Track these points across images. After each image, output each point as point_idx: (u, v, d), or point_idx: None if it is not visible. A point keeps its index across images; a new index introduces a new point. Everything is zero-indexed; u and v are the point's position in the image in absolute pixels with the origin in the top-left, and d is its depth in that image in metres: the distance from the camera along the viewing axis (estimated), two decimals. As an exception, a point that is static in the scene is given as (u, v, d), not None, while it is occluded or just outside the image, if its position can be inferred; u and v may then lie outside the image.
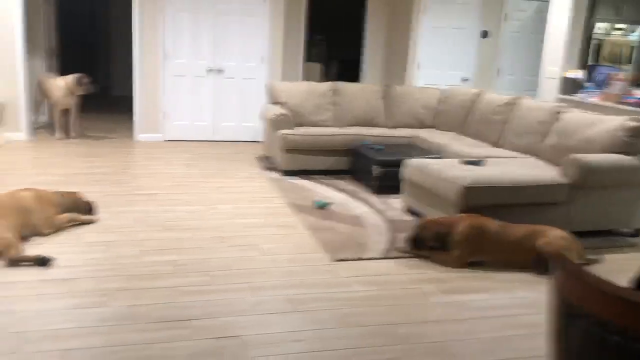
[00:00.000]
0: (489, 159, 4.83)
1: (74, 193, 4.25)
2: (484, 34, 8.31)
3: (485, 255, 3.75)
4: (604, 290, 0.96)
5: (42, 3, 7.89)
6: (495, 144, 5.70)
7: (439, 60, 8.21)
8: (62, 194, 4.15)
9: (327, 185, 5.62)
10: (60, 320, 2.79)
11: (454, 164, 4.50)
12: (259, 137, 7.55)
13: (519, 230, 3.77)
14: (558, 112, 5.12)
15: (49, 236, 3.85)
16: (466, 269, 3.69)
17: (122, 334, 2.70)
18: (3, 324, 2.72)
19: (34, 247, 3.64)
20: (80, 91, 7.07)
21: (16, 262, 3.36)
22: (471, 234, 3.71)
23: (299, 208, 4.79)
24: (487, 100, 6.01)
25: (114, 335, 2.69)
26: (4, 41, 6.66)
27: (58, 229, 3.95)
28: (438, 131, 6.39)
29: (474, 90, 6.36)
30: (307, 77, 8.66)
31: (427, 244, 3.80)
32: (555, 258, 1.09)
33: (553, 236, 3.70)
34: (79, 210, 4.19)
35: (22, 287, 3.11)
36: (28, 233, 3.77)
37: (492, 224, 3.76)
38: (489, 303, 3.25)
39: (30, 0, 7.51)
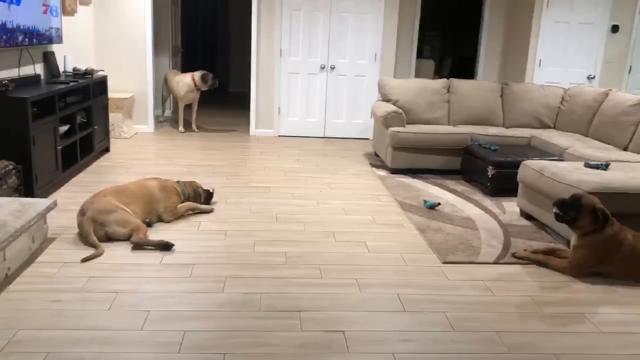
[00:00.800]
0: (616, 163, 4.48)
1: (193, 182, 4.50)
2: (614, 29, 7.72)
3: (611, 267, 3.48)
4: None
5: (169, 4, 8.41)
6: (625, 148, 5.28)
7: (562, 57, 7.75)
8: (184, 183, 4.40)
9: (437, 184, 5.50)
10: (180, 302, 2.97)
11: (576, 168, 4.23)
12: (368, 134, 7.55)
13: (651, 242, 3.46)
14: (700, 114, 4.65)
15: (170, 223, 4.11)
16: (586, 280, 3.46)
17: (235, 320, 2.81)
18: (129, 302, 2.94)
19: (156, 233, 3.89)
20: (205, 87, 7.45)
21: (141, 245, 3.62)
22: (605, 243, 3.45)
23: (407, 207, 4.73)
24: (616, 99, 5.59)
25: (229, 320, 2.81)
26: (135, 40, 7.18)
27: (179, 216, 4.20)
28: (560, 132, 6.03)
29: (601, 89, 5.93)
30: (419, 74, 8.54)
31: (580, 219, 3.46)
32: None
33: None
34: (198, 198, 4.43)
35: (146, 270, 3.34)
36: (152, 220, 4.05)
37: (629, 234, 3.48)
38: (612, 318, 3.02)
39: (158, 1, 8.04)
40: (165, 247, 3.60)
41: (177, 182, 4.38)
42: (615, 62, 7.84)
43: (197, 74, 7.44)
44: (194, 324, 2.75)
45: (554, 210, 3.56)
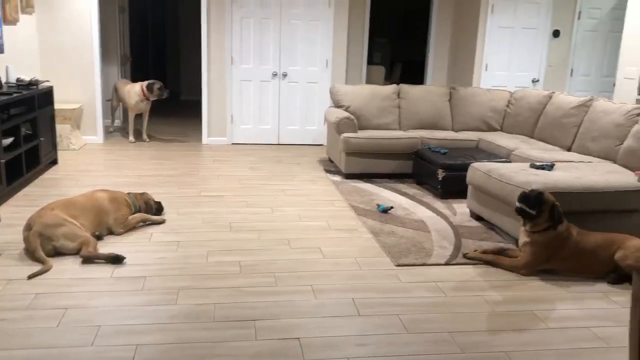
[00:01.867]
0: (561, 164, 4.65)
1: (145, 194, 4.42)
2: (556, 34, 8.02)
3: (557, 264, 3.60)
4: None
5: (117, 12, 8.26)
6: (568, 148, 5.48)
7: (507, 62, 7.99)
8: (135, 195, 4.32)
9: (390, 189, 5.58)
10: (132, 315, 2.91)
11: (522, 169, 4.36)
12: (322, 141, 7.59)
13: (595, 238, 3.60)
14: (637, 115, 4.87)
15: (121, 236, 4.02)
16: (535, 277, 3.57)
17: (190, 332, 2.77)
18: (79, 318, 2.86)
19: (107, 247, 3.80)
20: (153, 97, 7.33)
21: (90, 259, 3.53)
22: (554, 240, 3.56)
23: (361, 211, 4.77)
24: (559, 102, 5.79)
25: (183, 332, 2.77)
26: (82, 49, 7.02)
27: (130, 228, 4.12)
28: (507, 134, 6.21)
29: (546, 92, 6.14)
30: (370, 80, 8.64)
31: (540, 214, 3.55)
32: (636, 271, 1.02)
33: (632, 247, 3.50)
34: (149, 210, 4.35)
35: (97, 284, 3.26)
36: (102, 232, 3.95)
37: (574, 231, 3.60)
38: (559, 314, 3.12)
39: (105, 9, 7.89)
40: (116, 259, 3.53)
41: (128, 193, 4.30)
42: (557, 65, 8.14)
43: (145, 84, 7.32)
44: (147, 338, 2.70)
45: (517, 204, 3.64)
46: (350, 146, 5.81)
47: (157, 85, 7.30)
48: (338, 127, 5.96)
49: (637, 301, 1.07)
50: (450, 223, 4.57)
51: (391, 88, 6.54)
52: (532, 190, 3.64)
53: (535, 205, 3.55)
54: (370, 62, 9.02)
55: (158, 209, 4.44)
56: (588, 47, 8.17)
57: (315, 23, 7.46)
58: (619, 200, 3.98)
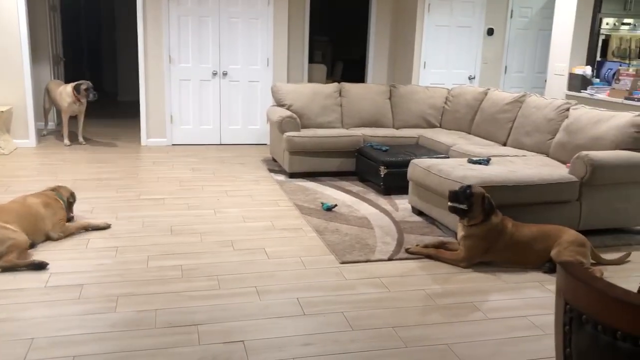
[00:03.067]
0: (496, 158, 4.79)
1: (62, 186, 4.26)
2: (490, 32, 8.27)
3: (494, 255, 3.71)
4: (614, 296, 0.93)
5: (47, 10, 7.93)
6: (504, 143, 5.66)
7: (444, 59, 8.17)
8: (59, 189, 4.16)
9: (334, 187, 5.60)
10: (69, 326, 2.79)
11: (460, 164, 4.47)
12: (265, 140, 7.54)
13: (530, 230, 3.72)
14: (567, 109, 5.08)
15: (56, 242, 3.86)
16: (474, 269, 3.66)
17: (130, 340, 2.69)
18: (11, 331, 2.73)
19: (41, 254, 3.64)
20: (81, 98, 7.05)
21: (10, 268, 3.36)
22: (490, 232, 3.66)
23: (305, 210, 4.77)
24: (494, 98, 5.98)
25: (123, 340, 2.68)
26: (9, 49, 6.70)
27: (68, 234, 3.97)
28: (445, 131, 6.35)
29: (481, 89, 6.32)
30: (312, 78, 8.65)
31: (472, 209, 3.65)
32: (564, 265, 1.07)
33: (565, 242, 3.63)
34: (73, 202, 4.28)
35: (29, 294, 3.11)
36: (39, 239, 3.79)
37: (509, 223, 3.72)
38: (497, 304, 3.22)
39: (34, 7, 7.56)
40: (38, 267, 3.38)
41: (53, 190, 4.13)
42: (492, 62, 8.39)
43: (73, 85, 7.06)
44: (85, 348, 2.60)
45: (449, 204, 3.73)
46: (293, 145, 5.80)
47: (84, 85, 7.02)
48: (281, 126, 5.94)
49: (560, 292, 1.11)
50: (392, 219, 4.63)
51: (333, 86, 6.57)
52: (460, 187, 3.74)
53: (465, 200, 3.65)
54: (311, 60, 9.03)
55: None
56: (520, 44, 8.47)
57: (255, 21, 7.40)
58: (552, 192, 4.14)
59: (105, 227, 4.18)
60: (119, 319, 2.89)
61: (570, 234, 3.69)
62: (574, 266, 1.04)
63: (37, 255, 3.61)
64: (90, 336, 2.71)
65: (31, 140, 7.00)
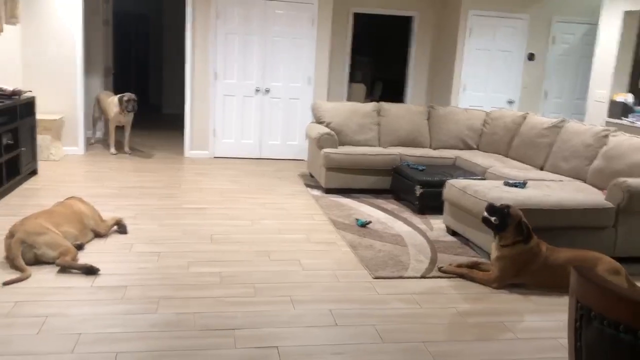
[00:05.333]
0: (533, 182, 4.81)
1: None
2: (531, 57, 8.28)
3: (527, 278, 3.73)
4: (618, 293, 1.02)
5: (101, 24, 8.32)
6: (541, 167, 5.66)
7: (484, 83, 8.22)
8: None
9: (369, 204, 5.69)
10: (112, 324, 2.95)
11: (496, 186, 4.51)
12: (303, 156, 7.70)
13: (564, 255, 3.73)
14: (605, 136, 5.07)
15: (102, 246, 4.06)
16: (506, 290, 3.69)
17: (169, 340, 2.83)
18: (60, 326, 2.90)
19: (88, 256, 3.84)
20: (123, 109, 7.31)
21: (67, 269, 3.56)
22: (524, 254, 3.69)
23: (340, 225, 4.87)
24: (532, 122, 5.99)
25: (162, 340, 2.82)
26: (65, 60, 7.06)
27: (109, 228, 4.26)
28: (482, 153, 6.38)
29: (520, 113, 6.34)
30: (351, 97, 8.81)
31: (506, 227, 3.69)
32: (576, 268, 1.17)
33: (601, 270, 3.60)
34: None
35: (77, 293, 3.29)
36: (87, 238, 4.06)
37: (544, 247, 3.74)
38: (527, 325, 3.24)
39: (89, 22, 7.94)
40: (90, 271, 3.56)
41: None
42: (532, 87, 8.39)
43: (118, 97, 7.37)
44: (127, 345, 2.75)
45: (484, 214, 3.78)
46: (330, 161, 5.93)
47: (125, 97, 7.29)
48: (319, 143, 6.07)
49: (573, 292, 1.21)
50: (426, 238, 4.69)
51: (371, 105, 6.69)
52: (501, 204, 3.79)
53: (499, 217, 3.70)
54: (352, 79, 9.19)
55: None
56: (561, 70, 8.45)
57: (299, 41, 7.61)
58: (587, 218, 4.14)
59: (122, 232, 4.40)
60: (160, 319, 3.03)
61: (605, 262, 3.68)
62: (585, 269, 1.13)
63: (85, 257, 3.81)
64: (132, 334, 2.86)
65: (80, 148, 7.32)
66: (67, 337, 2.79)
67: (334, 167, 5.95)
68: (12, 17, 6.53)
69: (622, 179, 4.22)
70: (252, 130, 7.74)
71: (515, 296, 3.63)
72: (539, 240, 3.76)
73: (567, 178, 5.19)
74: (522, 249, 3.67)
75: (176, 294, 3.35)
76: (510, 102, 8.31)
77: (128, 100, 7.28)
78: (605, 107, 6.78)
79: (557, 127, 5.65)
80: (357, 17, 8.43)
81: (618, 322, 1.00)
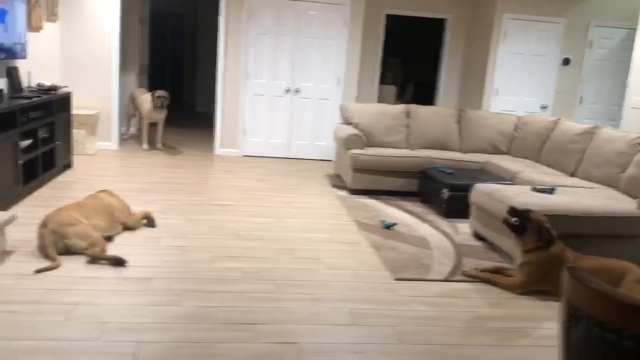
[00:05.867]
0: (562, 188, 4.73)
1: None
2: (566, 62, 8.14)
3: (551, 284, 3.68)
4: (603, 294, 1.02)
5: (137, 23, 8.51)
6: (572, 174, 5.56)
7: (517, 87, 8.12)
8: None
9: (395, 206, 5.68)
10: (137, 314, 3.03)
11: (524, 191, 4.45)
12: (330, 156, 7.73)
13: (591, 263, 3.66)
14: (639, 144, 4.96)
15: (131, 238, 4.16)
16: (529, 297, 3.65)
17: (190, 332, 2.89)
18: (88, 314, 2.99)
19: (116, 249, 3.94)
20: (156, 105, 7.48)
21: (96, 260, 3.66)
22: (548, 261, 3.64)
23: (364, 226, 4.88)
24: (564, 128, 5.89)
25: (183, 332, 2.88)
26: (101, 58, 7.24)
27: (138, 221, 4.37)
28: (512, 158, 6.31)
29: (551, 118, 6.25)
30: (381, 99, 8.80)
31: (526, 231, 3.69)
32: (568, 269, 1.19)
33: (631, 282, 3.52)
34: None
35: (105, 283, 3.39)
36: (116, 230, 4.16)
37: (570, 254, 3.69)
38: (549, 332, 3.20)
39: (126, 20, 8.13)
40: (118, 262, 3.65)
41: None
42: (566, 93, 8.25)
43: (150, 94, 7.53)
44: (150, 335, 2.82)
45: (505, 215, 3.77)
46: (357, 162, 5.94)
47: (157, 94, 7.47)
48: (346, 143, 6.09)
49: (565, 292, 1.22)
50: (452, 241, 4.66)
51: (400, 107, 6.67)
52: (523, 208, 3.76)
53: (519, 219, 3.66)
54: (382, 81, 9.18)
55: None
56: (598, 76, 8.28)
57: (330, 41, 7.64)
58: (617, 226, 4.06)
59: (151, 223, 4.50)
60: (182, 312, 3.10)
61: (635, 272, 3.59)
62: (575, 269, 1.14)
63: (114, 250, 3.91)
64: (155, 325, 2.93)
65: (113, 143, 7.50)
66: (93, 325, 2.87)
67: (360, 168, 5.96)
68: (52, 15, 6.73)
69: (654, 188, 4.12)
70: (281, 129, 7.80)
71: (537, 302, 3.58)
72: (564, 247, 3.71)
73: (599, 185, 5.09)
74: (546, 254, 3.62)
75: (199, 288, 3.42)
76: (543, 107, 8.18)
77: (159, 97, 7.44)
78: (641, 114, 6.62)
79: (589, 134, 5.55)
80: (390, 18, 8.42)
81: (604, 321, 1.01)
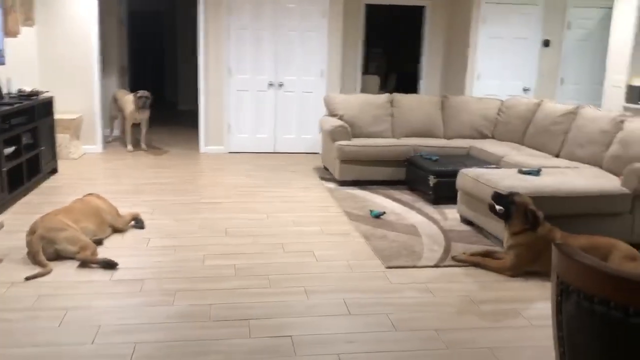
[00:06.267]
0: (548, 169, 4.78)
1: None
2: (546, 43, 8.20)
3: (541, 265, 3.73)
4: (592, 267, 1.05)
5: (115, 24, 8.43)
6: (557, 155, 5.62)
7: (499, 71, 8.16)
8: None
9: (383, 195, 5.71)
10: (130, 316, 3.02)
11: (510, 174, 4.50)
12: (317, 149, 7.73)
13: (579, 241, 3.70)
14: (621, 122, 5.02)
15: (120, 240, 4.14)
16: (520, 278, 3.69)
17: (186, 330, 2.89)
18: (82, 318, 2.98)
19: (107, 251, 3.93)
20: (138, 106, 7.43)
21: (87, 263, 3.65)
22: (537, 242, 3.69)
23: (354, 217, 4.90)
24: (547, 110, 5.94)
25: (180, 331, 2.89)
26: (81, 60, 7.17)
27: (127, 223, 4.35)
28: (497, 142, 6.35)
29: (534, 100, 6.30)
30: (365, 89, 8.80)
31: (511, 215, 3.72)
32: (557, 245, 1.23)
33: (618, 257, 3.59)
34: None
35: (97, 286, 3.38)
36: (105, 233, 4.13)
37: (558, 234, 3.73)
38: (542, 312, 3.25)
39: (104, 22, 8.05)
40: (109, 265, 3.64)
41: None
42: (548, 74, 8.31)
43: (133, 94, 7.49)
44: (145, 336, 2.82)
45: (489, 202, 3.81)
46: (344, 154, 5.95)
47: (138, 94, 7.44)
48: (332, 135, 6.10)
49: (554, 268, 1.25)
50: (440, 227, 4.70)
51: (384, 97, 6.69)
52: (506, 192, 3.80)
53: (505, 204, 3.71)
54: (365, 72, 9.19)
55: None
56: (578, 56, 8.35)
57: (310, 34, 7.63)
58: (603, 204, 4.12)
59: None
60: (176, 311, 3.10)
61: (621, 248, 3.65)
62: (564, 246, 1.17)
63: (104, 252, 3.89)
64: (149, 326, 2.93)
65: (98, 146, 7.44)
66: (88, 329, 2.86)
67: (347, 159, 5.97)
68: (27, 20, 6.65)
69: (637, 165, 4.18)
70: (267, 124, 7.79)
71: (528, 284, 3.63)
72: (552, 227, 3.75)
73: (584, 165, 5.15)
74: (534, 236, 3.67)
75: (192, 286, 3.42)
76: (526, 90, 8.24)
77: (140, 97, 7.40)
78: (622, 92, 6.70)
79: (572, 114, 5.60)
80: (370, 8, 8.41)
81: (592, 295, 1.04)
